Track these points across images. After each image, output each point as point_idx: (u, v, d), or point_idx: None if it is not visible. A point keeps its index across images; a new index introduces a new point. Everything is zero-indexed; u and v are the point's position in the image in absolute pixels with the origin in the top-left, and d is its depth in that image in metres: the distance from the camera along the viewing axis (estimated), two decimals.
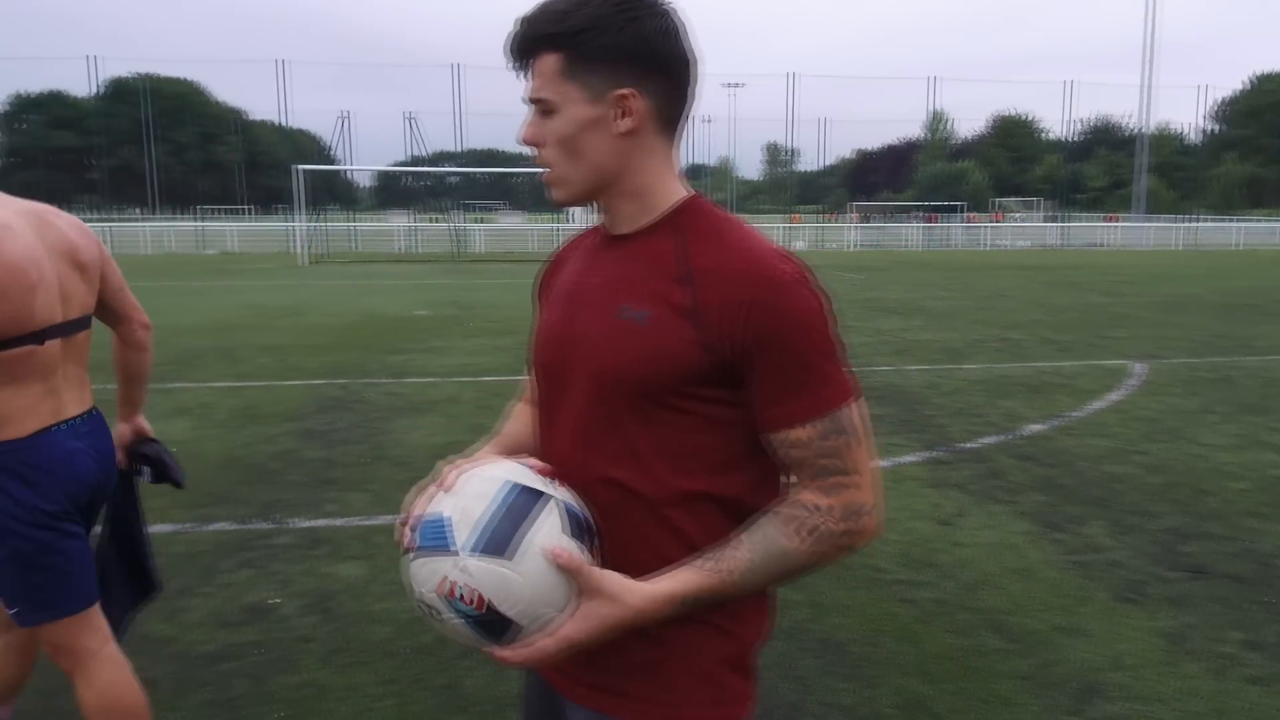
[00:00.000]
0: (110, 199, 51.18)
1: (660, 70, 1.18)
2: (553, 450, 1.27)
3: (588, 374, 1.21)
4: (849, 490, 1.15)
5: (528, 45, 1.19)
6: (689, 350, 1.14)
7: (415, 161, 50.30)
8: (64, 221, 2.18)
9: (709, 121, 76.15)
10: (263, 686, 3.04)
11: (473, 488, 1.15)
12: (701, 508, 1.19)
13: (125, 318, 2.44)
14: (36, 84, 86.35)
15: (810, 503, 1.15)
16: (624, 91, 1.17)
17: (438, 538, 1.10)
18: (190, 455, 5.68)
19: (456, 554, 1.08)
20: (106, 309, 2.37)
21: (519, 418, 1.48)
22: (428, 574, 1.10)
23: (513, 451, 1.37)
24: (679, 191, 1.24)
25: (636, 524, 1.19)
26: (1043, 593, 3.77)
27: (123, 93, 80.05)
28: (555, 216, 41.98)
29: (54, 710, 2.89)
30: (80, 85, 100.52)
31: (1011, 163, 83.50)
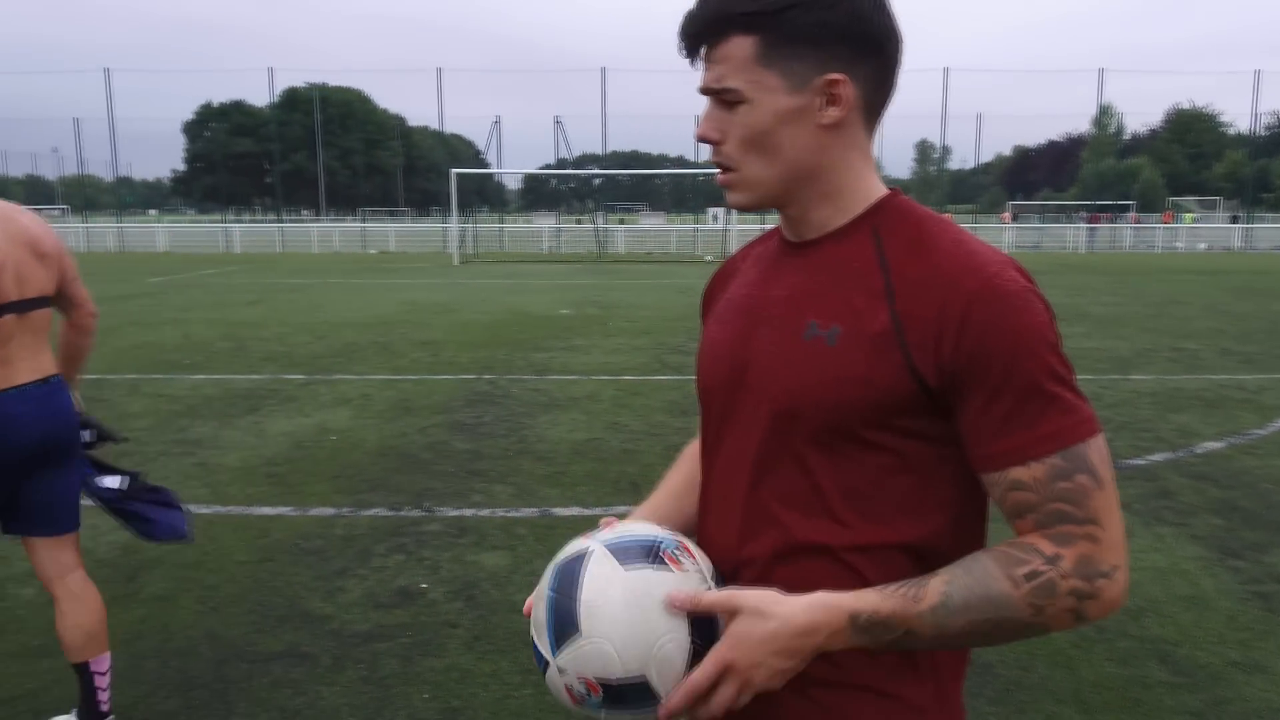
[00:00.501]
0: (283, 201, 54.77)
1: (874, 51, 1.02)
2: (716, 489, 1.13)
3: (764, 402, 1.05)
4: (1086, 542, 0.93)
5: (713, 27, 1.01)
6: (890, 374, 0.97)
7: (561, 164, 51.47)
8: (27, 219, 2.56)
9: None
10: (411, 667, 3.18)
11: (536, 592, 1.08)
12: (894, 560, 1.01)
13: (77, 305, 2.76)
14: (222, 94, 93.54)
15: (1037, 545, 0.94)
16: (834, 77, 1.00)
17: (537, 659, 1.05)
18: (350, 444, 6.01)
19: (549, 663, 1.02)
20: (62, 296, 2.69)
21: (685, 463, 1.32)
22: (556, 692, 1.04)
23: (666, 512, 1.25)
24: (878, 189, 1.08)
25: (814, 577, 1.00)
26: (1217, 624, 3.48)
27: (296, 101, 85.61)
28: (695, 218, 41.98)
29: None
30: (260, 95, 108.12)
31: (1189, 160, 77.72)
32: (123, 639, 3.31)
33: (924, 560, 1.00)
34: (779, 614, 0.94)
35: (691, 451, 1.32)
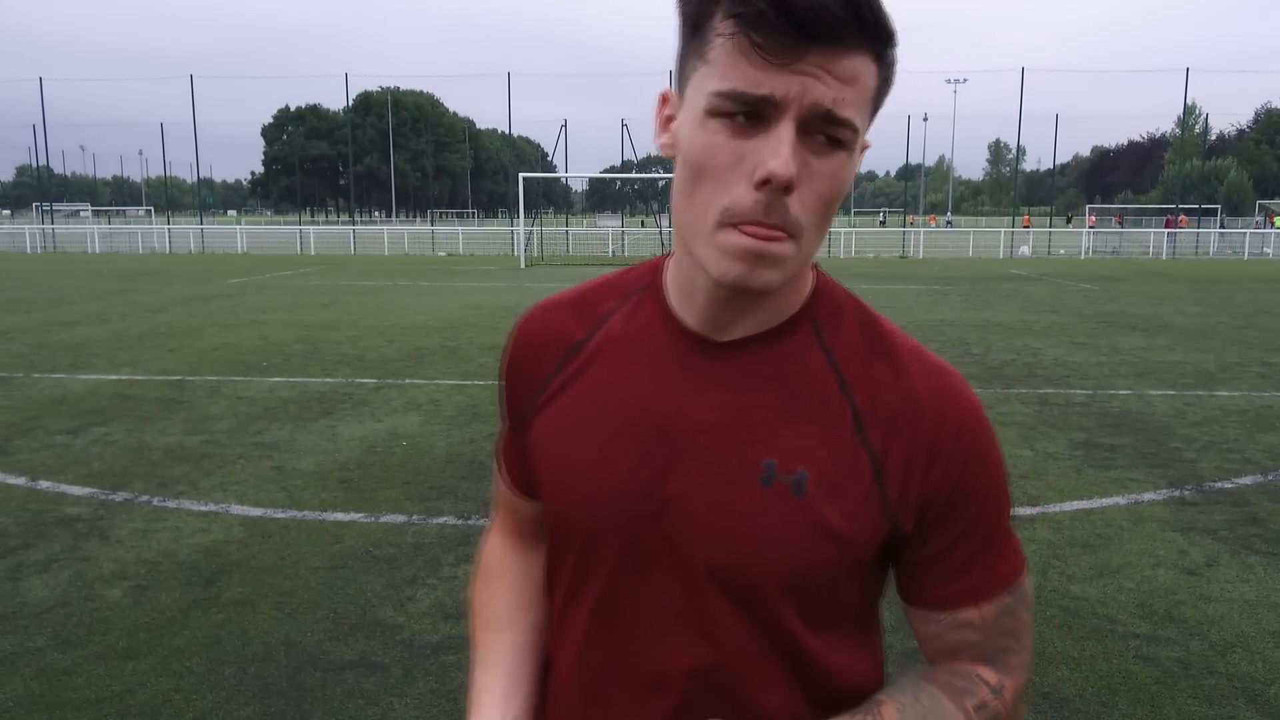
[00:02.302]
0: (355, 203, 56.08)
1: None
2: (608, 659, 0.88)
3: (703, 563, 0.82)
4: (1022, 672, 0.89)
5: (857, 29, 0.70)
6: (869, 525, 0.81)
7: (626, 166, 51.62)
8: None
9: (926, 119, 72.88)
10: None
11: None
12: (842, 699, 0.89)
13: None
14: (299, 98, 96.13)
15: (980, 674, 0.87)
16: (867, 142, 0.79)
17: None
18: (420, 450, 6.10)
19: None
20: None
21: (518, 619, 1.02)
22: None
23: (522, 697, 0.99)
24: (809, 270, 0.86)
25: None
26: None
27: (369, 104, 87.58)
28: None
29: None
30: (336, 99, 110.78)
31: None
32: (203, 642, 3.42)
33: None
34: None
35: (504, 570, 1.06)
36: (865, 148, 0.79)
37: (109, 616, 3.63)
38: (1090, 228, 40.80)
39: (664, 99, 0.81)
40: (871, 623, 0.92)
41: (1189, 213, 45.30)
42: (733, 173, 0.72)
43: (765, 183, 0.70)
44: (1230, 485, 5.39)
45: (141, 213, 71.84)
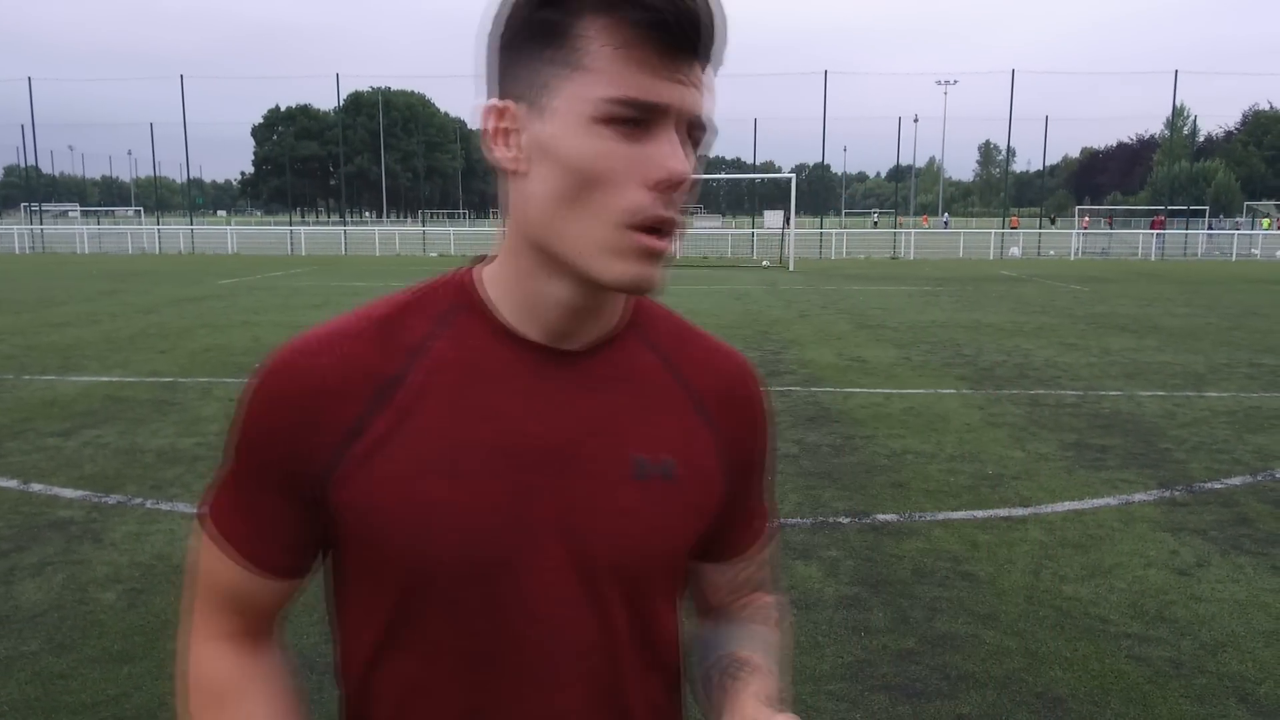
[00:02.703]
0: (346, 203, 55.96)
1: None
2: (511, 705, 0.83)
3: (599, 570, 0.83)
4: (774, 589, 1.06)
5: (713, 46, 0.76)
6: (720, 492, 0.90)
7: None
8: None
9: (917, 121, 73.18)
10: None
11: None
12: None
13: None
14: (290, 99, 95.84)
15: (768, 602, 1.03)
16: None
17: None
18: None
19: None
20: None
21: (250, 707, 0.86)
22: None
23: None
24: None
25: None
26: None
27: (360, 105, 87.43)
28: (753, 221, 41.75)
29: None
30: (327, 100, 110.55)
31: (1267, 162, 75.05)
32: None
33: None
34: None
35: (248, 687, 0.87)
36: None
37: (103, 620, 3.63)
38: (1083, 229, 41.03)
39: (500, 111, 0.77)
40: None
41: (1177, 214, 45.54)
42: (626, 177, 0.73)
43: (665, 184, 0.73)
44: (1220, 486, 5.44)
45: (130, 213, 71.44)
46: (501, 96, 0.78)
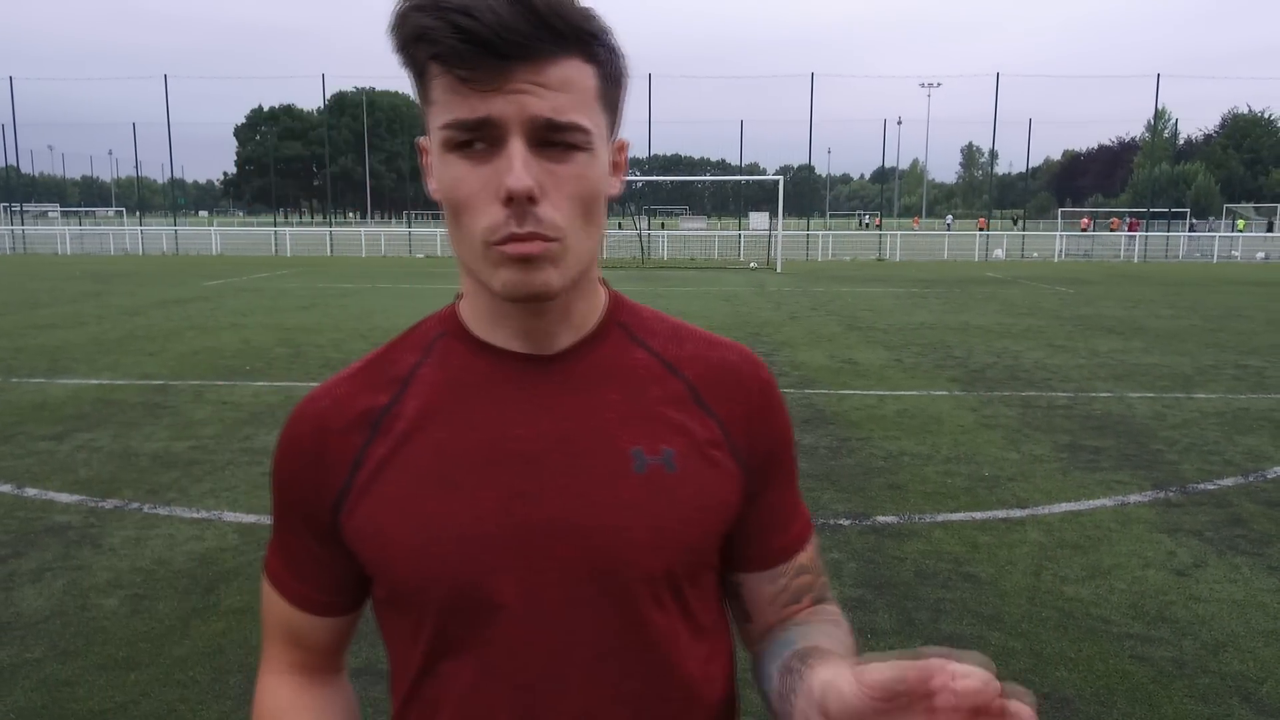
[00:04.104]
0: (330, 204, 55.64)
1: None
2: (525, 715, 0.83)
3: (605, 570, 0.82)
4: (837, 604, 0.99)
5: (551, 39, 0.73)
6: (738, 484, 0.88)
7: None
8: None
9: (900, 123, 73.56)
10: None
11: None
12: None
13: None
14: (275, 99, 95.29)
15: (833, 610, 0.96)
16: (624, 141, 0.86)
17: None
18: None
19: None
20: None
21: None
22: None
23: None
24: (596, 283, 0.92)
25: None
26: None
27: (344, 105, 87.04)
28: (738, 222, 41.82)
29: None
30: (312, 100, 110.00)
31: (1245, 165, 75.92)
32: (205, 652, 3.40)
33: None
34: None
35: (285, 712, 0.94)
36: (622, 145, 0.85)
37: (107, 626, 3.60)
38: (1083, 230, 41.48)
39: (423, 148, 0.83)
40: (722, 616, 0.95)
41: (1158, 216, 45.94)
42: (482, 197, 0.75)
43: (506, 200, 0.74)
44: (1213, 487, 5.50)
45: (111, 214, 70.84)
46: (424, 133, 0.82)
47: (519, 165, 0.73)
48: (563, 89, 0.74)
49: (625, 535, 0.81)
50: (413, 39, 0.74)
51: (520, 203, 0.74)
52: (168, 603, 3.81)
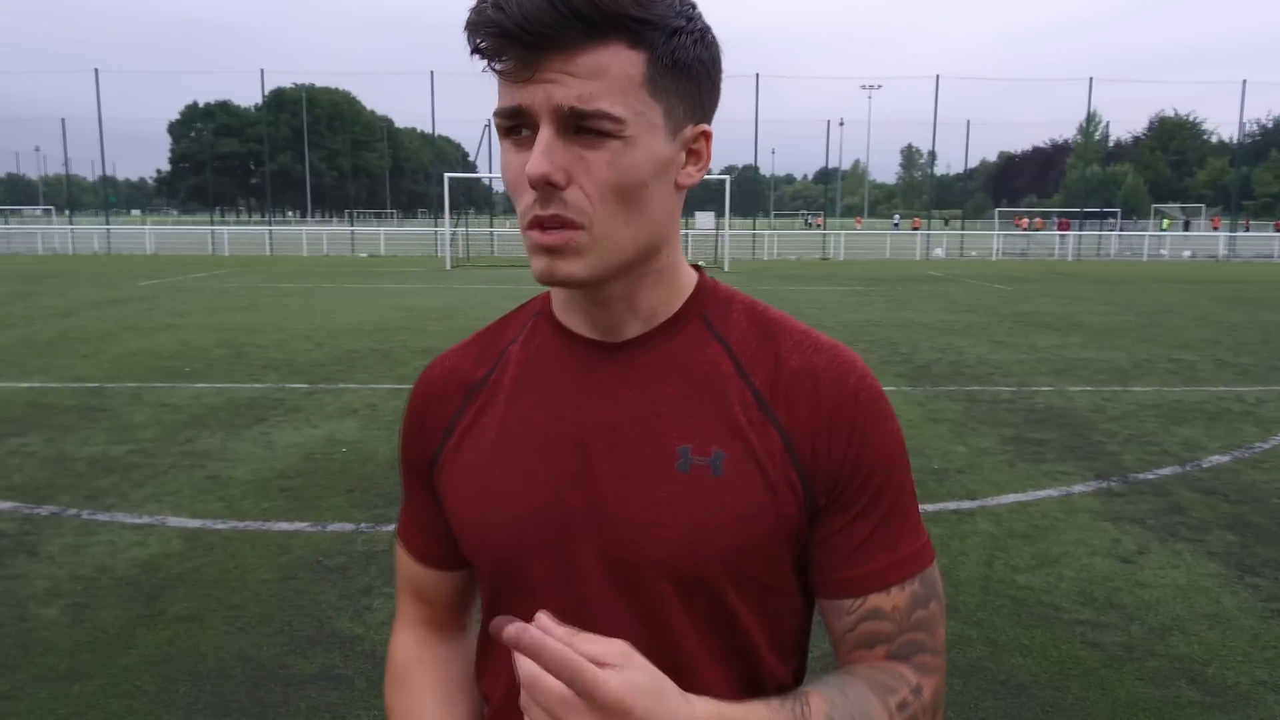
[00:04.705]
0: (270, 203, 54.48)
1: (717, 105, 0.84)
2: None
3: (635, 564, 0.81)
4: (938, 675, 0.85)
5: (586, 25, 0.73)
6: (795, 498, 0.81)
7: None
8: None
9: (843, 124, 74.60)
10: None
11: None
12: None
13: None
14: (211, 95, 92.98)
15: (902, 673, 0.83)
16: (705, 129, 0.82)
17: None
18: (362, 456, 5.98)
19: None
20: None
21: (424, 698, 0.96)
22: None
23: None
24: (690, 270, 0.90)
25: None
26: (1242, 642, 3.51)
27: (283, 102, 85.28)
28: (686, 222, 42.04)
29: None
30: (250, 97, 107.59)
31: (1172, 167, 78.59)
32: (152, 661, 3.29)
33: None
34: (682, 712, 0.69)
35: (419, 669, 0.98)
36: (699, 134, 0.81)
37: (47, 637, 3.46)
38: (1027, 228, 42.55)
39: None
40: (804, 625, 0.91)
41: (1090, 216, 47.28)
42: (521, 182, 0.77)
43: (531, 184, 0.76)
44: (1152, 476, 5.66)
45: (39, 212, 68.42)
46: None
47: (539, 152, 0.74)
48: (593, 76, 0.73)
49: (653, 533, 0.80)
50: (467, 35, 0.76)
51: (543, 187, 0.75)
52: (111, 611, 3.68)
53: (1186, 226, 45.25)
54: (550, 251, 0.77)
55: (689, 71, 0.78)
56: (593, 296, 0.83)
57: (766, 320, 0.88)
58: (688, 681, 0.80)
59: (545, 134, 0.74)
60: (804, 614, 0.89)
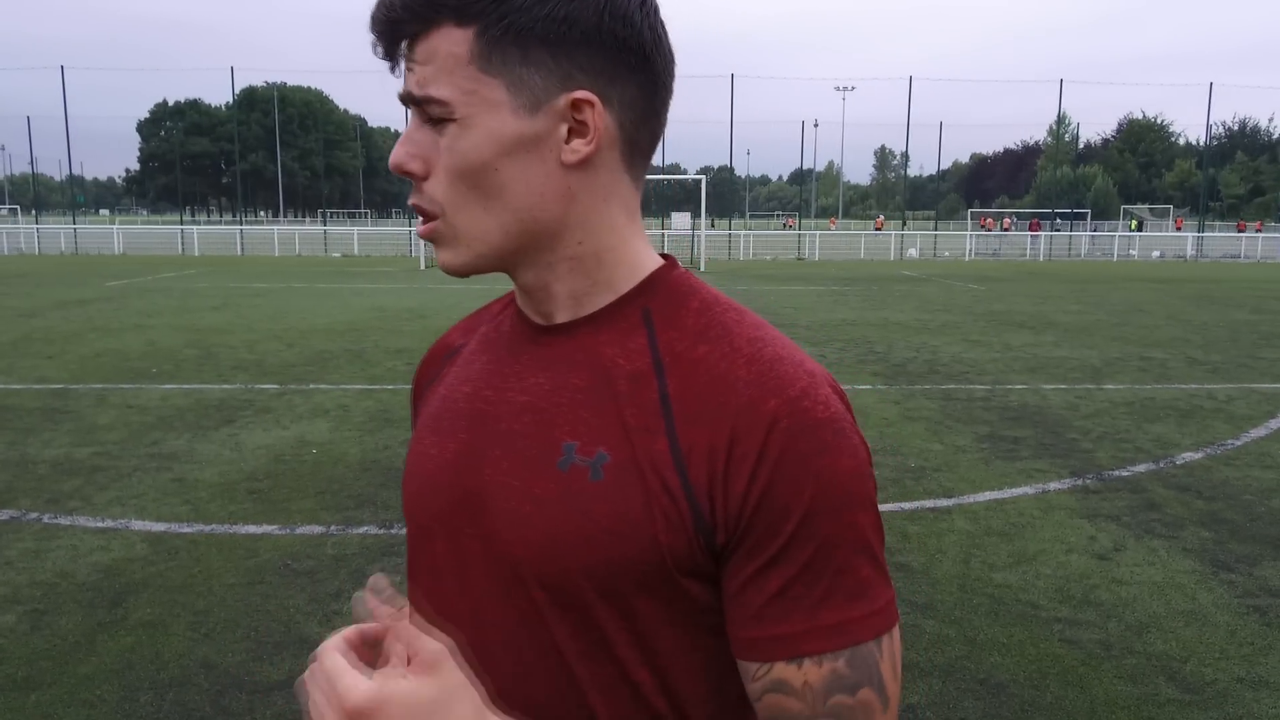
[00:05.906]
0: (241, 202, 53.86)
1: (638, 66, 0.74)
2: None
3: (507, 559, 0.74)
4: None
5: (417, 13, 0.71)
6: (683, 526, 0.69)
7: None
8: None
9: (817, 126, 75.01)
10: None
11: None
12: None
13: None
14: (180, 94, 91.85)
15: None
16: (582, 96, 0.72)
17: None
18: (333, 457, 5.87)
19: None
20: None
21: None
22: None
23: None
24: (649, 258, 0.81)
25: None
26: (1218, 639, 3.52)
27: (254, 101, 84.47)
28: (660, 222, 42.08)
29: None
30: (220, 95, 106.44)
31: (1140, 168, 79.69)
32: (113, 669, 3.19)
33: None
34: None
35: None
36: (571, 103, 0.72)
37: (3, 645, 3.35)
38: (1004, 230, 42.99)
39: None
40: (715, 679, 0.75)
41: (1062, 217, 47.80)
42: None
43: (395, 174, 0.77)
44: (1127, 473, 5.68)
45: (4, 212, 67.27)
46: None
47: (398, 142, 0.76)
48: (427, 61, 0.72)
49: (521, 531, 0.73)
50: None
51: (407, 178, 0.76)
52: (71, 618, 3.57)
53: (1140, 226, 45.72)
54: (429, 240, 0.78)
55: (538, 36, 0.70)
56: (515, 282, 0.82)
57: (716, 321, 0.76)
58: (576, 706, 0.74)
59: (410, 124, 0.76)
60: (717, 664, 0.74)
